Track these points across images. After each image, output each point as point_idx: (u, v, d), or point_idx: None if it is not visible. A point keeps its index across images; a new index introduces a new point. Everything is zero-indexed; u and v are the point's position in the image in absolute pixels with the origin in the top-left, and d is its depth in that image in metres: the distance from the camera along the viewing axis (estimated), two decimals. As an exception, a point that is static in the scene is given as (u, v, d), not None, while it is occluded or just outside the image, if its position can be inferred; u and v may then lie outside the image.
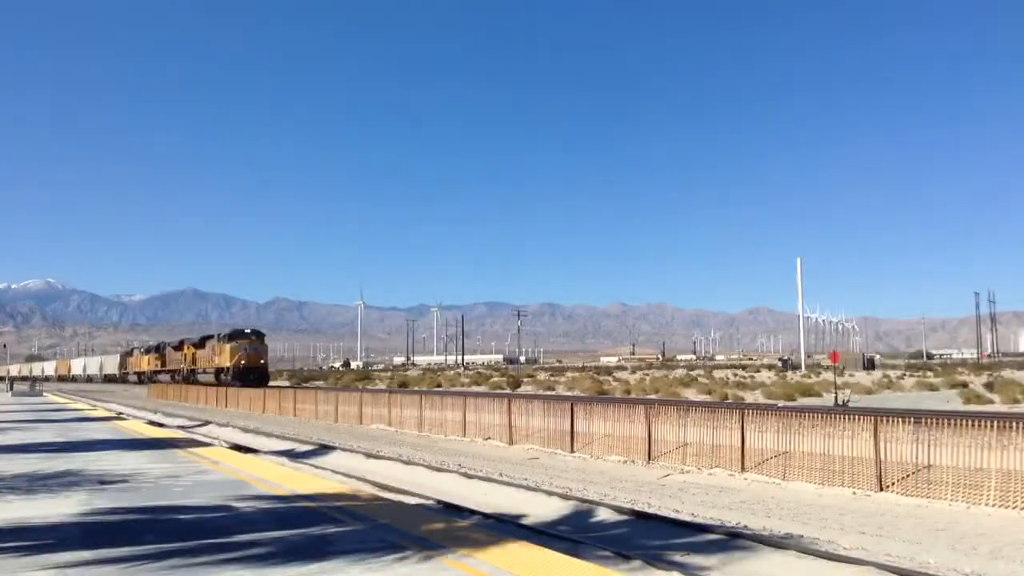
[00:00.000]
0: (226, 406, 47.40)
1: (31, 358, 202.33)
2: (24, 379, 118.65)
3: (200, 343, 63.27)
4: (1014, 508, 11.51)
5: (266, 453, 21.51)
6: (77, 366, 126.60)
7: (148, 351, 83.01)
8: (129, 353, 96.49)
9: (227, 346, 54.88)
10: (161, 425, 31.33)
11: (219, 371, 55.72)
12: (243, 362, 52.95)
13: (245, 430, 31.02)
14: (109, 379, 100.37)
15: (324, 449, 22.99)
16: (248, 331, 56.44)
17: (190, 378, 62.66)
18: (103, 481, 12.17)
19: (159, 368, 74.05)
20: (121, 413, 37.74)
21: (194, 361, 62.65)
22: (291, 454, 22.02)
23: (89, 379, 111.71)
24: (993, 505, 11.78)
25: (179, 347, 69.28)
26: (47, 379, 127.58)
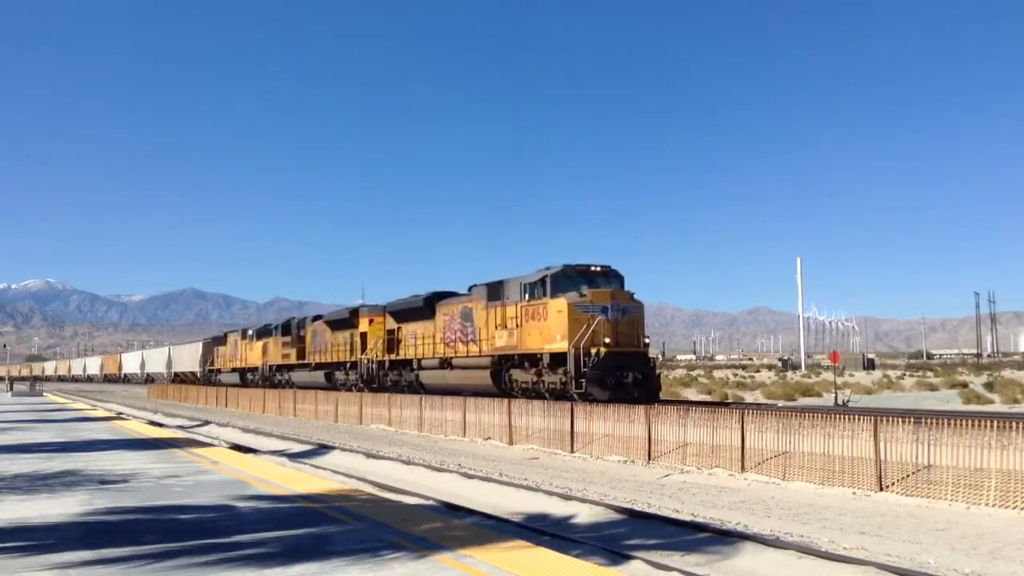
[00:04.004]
0: (226, 406, 47.37)
1: (31, 358, 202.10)
2: (61, 379, 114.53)
3: (433, 305, 30.32)
4: (1014, 508, 11.50)
5: (266, 453, 21.51)
6: (131, 363, 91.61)
7: (262, 334, 49.27)
8: (220, 340, 59.62)
9: (556, 303, 22.87)
10: (161, 425, 31.34)
11: (528, 363, 24.33)
12: (606, 340, 22.00)
13: (245, 430, 31.01)
14: (181, 379, 67.33)
15: (324, 449, 22.98)
16: (596, 267, 23.93)
17: (404, 381, 32.31)
18: (103, 481, 12.17)
19: (294, 361, 43.62)
20: (121, 413, 37.74)
21: (446, 344, 29.00)
22: (291, 454, 22.01)
23: (148, 379, 79.72)
24: (993, 505, 11.77)
25: (347, 321, 37.03)
26: (90, 378, 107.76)
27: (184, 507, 9.86)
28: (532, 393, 23.83)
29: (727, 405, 23.36)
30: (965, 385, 46.61)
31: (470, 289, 28.39)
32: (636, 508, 12.47)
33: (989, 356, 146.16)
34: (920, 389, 47.75)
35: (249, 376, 51.04)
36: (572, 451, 20.01)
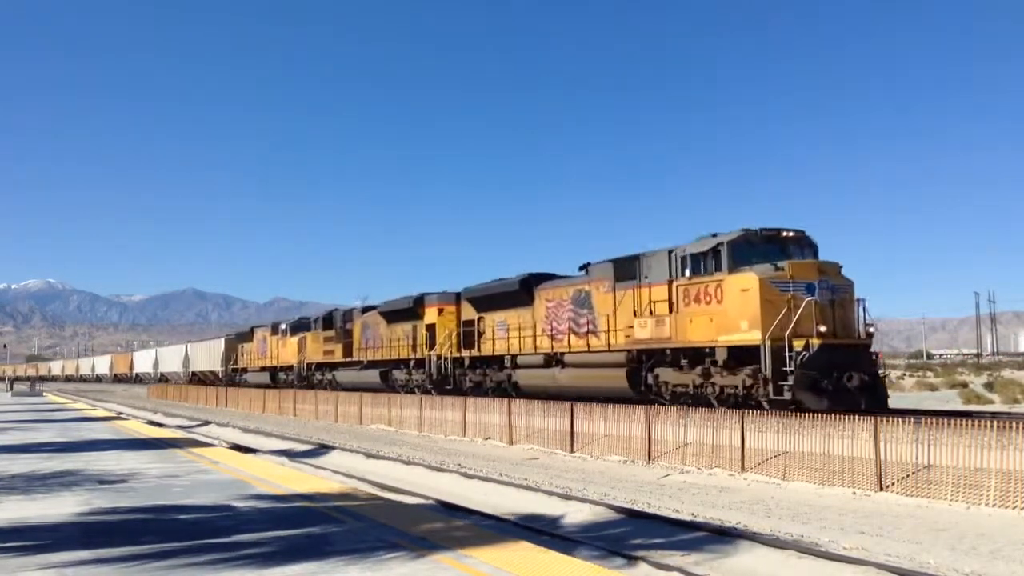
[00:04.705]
0: (226, 406, 47.36)
1: (31, 358, 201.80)
2: (68, 379, 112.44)
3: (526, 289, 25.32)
4: (1014, 508, 11.49)
5: (266, 453, 21.51)
6: (143, 362, 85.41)
7: (298, 328, 44.19)
8: (245, 336, 54.18)
9: (740, 280, 17.33)
10: (161, 425, 31.36)
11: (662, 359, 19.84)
12: (820, 328, 16.43)
13: (245, 430, 31.02)
14: (200, 379, 62.02)
15: (324, 449, 22.99)
16: (789, 231, 18.46)
17: (489, 382, 27.09)
18: (103, 481, 12.16)
19: (339, 358, 38.53)
20: (121, 413, 37.74)
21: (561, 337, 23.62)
22: (291, 454, 22.02)
23: (162, 379, 73.09)
24: (993, 505, 11.76)
25: (409, 311, 31.84)
26: (99, 378, 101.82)
27: (184, 507, 9.85)
28: (691, 399, 18.66)
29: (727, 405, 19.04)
30: (965, 385, 46.58)
31: (583, 268, 23.21)
32: (636, 508, 12.47)
33: (990, 356, 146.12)
34: (920, 389, 47.71)
35: (282, 376, 45.70)
36: (572, 451, 20.00)
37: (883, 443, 13.35)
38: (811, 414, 15.52)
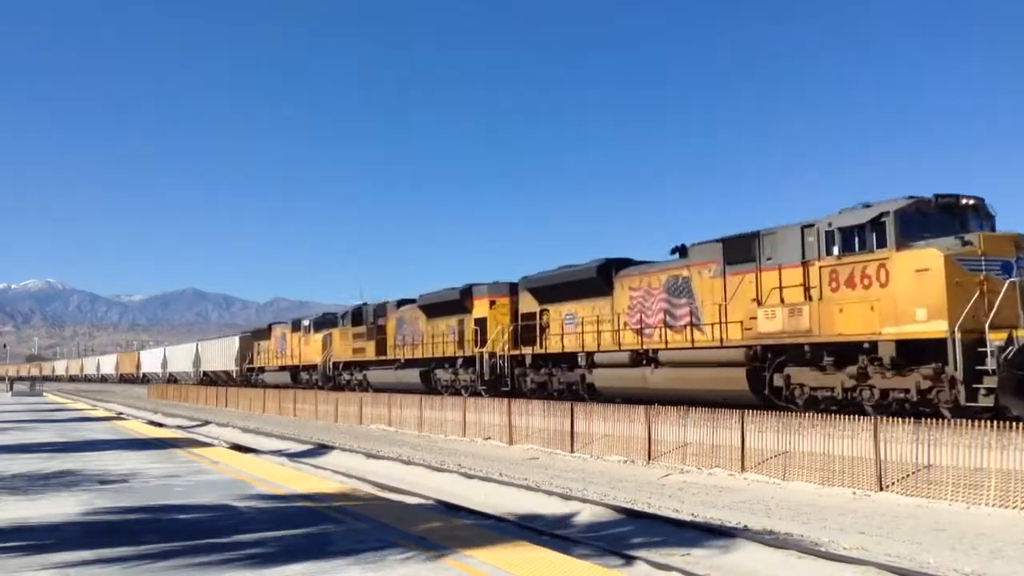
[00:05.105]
0: (226, 406, 47.38)
1: (31, 358, 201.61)
2: (72, 379, 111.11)
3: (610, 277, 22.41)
4: (1014, 508, 11.50)
5: (266, 453, 21.52)
6: (151, 361, 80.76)
7: (322, 324, 41.51)
8: (261, 333, 51.61)
9: (916, 256, 14.51)
10: (161, 425, 31.36)
11: None
12: None
13: (245, 430, 31.04)
14: (211, 379, 59.27)
15: (324, 449, 23.00)
16: (968, 199, 15.36)
17: (557, 383, 24.29)
18: (103, 481, 12.17)
19: (371, 356, 35.25)
20: (121, 413, 37.76)
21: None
22: (291, 454, 22.03)
23: (171, 379, 70.51)
24: (993, 505, 11.76)
25: (454, 304, 29.00)
26: (104, 378, 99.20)
27: (184, 507, 9.85)
28: (836, 405, 15.94)
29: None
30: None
31: (677, 251, 20.22)
32: (636, 508, 12.47)
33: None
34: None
35: (304, 376, 43.25)
36: (572, 451, 20.00)
37: (883, 443, 13.35)
38: (810, 414, 15.51)
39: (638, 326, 20.88)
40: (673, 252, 20.44)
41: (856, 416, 14.44)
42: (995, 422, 12.32)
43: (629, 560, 8.89)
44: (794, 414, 15.48)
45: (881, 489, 13.18)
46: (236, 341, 55.19)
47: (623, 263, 22.52)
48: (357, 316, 37.70)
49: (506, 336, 26.19)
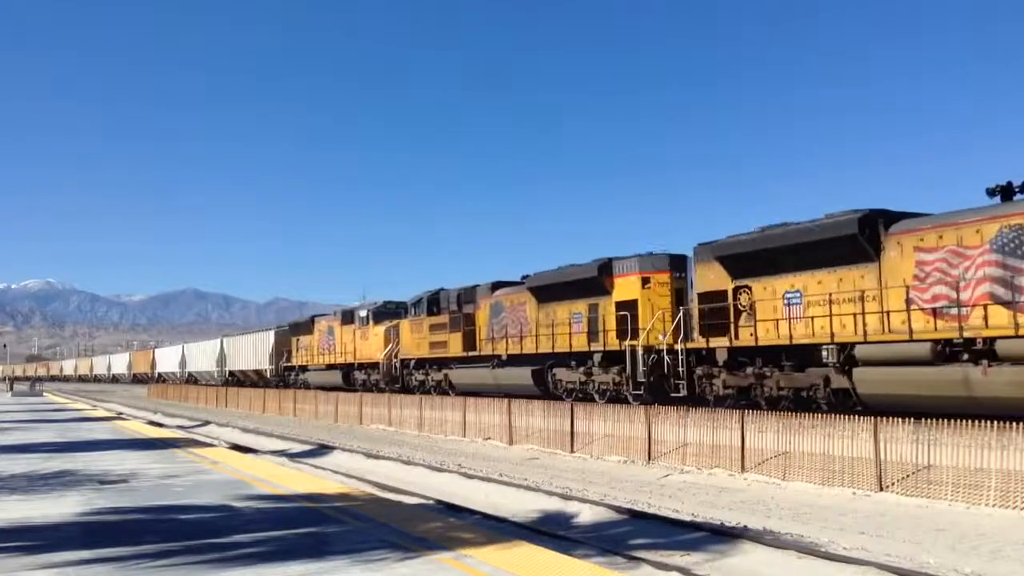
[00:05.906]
0: (226, 406, 47.38)
1: (31, 358, 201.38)
2: (81, 379, 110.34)
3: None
4: (1014, 508, 11.50)
5: (266, 453, 21.52)
6: (167, 360, 73.43)
7: (383, 315, 35.30)
8: (301, 327, 44.60)
9: None
10: (161, 425, 31.37)
11: None
12: None
13: (245, 430, 31.05)
14: (239, 380, 53.07)
15: (324, 449, 23.00)
16: None
17: (781, 389, 17.38)
18: (103, 481, 12.17)
19: (456, 352, 28.71)
20: (121, 413, 37.78)
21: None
22: (291, 454, 22.03)
23: (191, 379, 64.55)
24: (993, 505, 11.76)
25: (583, 284, 22.83)
26: (116, 378, 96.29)
27: (184, 507, 9.86)
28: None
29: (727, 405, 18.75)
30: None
31: (1000, 192, 14.37)
32: (636, 508, 12.48)
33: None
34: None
35: (360, 376, 36.69)
36: (572, 451, 20.00)
37: (883, 443, 13.35)
38: (811, 414, 15.50)
39: (935, 303, 14.73)
40: (993, 194, 14.42)
41: (856, 416, 14.45)
42: (995, 422, 12.34)
43: (629, 560, 8.90)
44: (794, 414, 15.50)
45: (881, 489, 13.18)
46: (271, 336, 48.42)
47: (895, 216, 16.06)
48: (433, 303, 30.91)
49: (667, 325, 20.31)
